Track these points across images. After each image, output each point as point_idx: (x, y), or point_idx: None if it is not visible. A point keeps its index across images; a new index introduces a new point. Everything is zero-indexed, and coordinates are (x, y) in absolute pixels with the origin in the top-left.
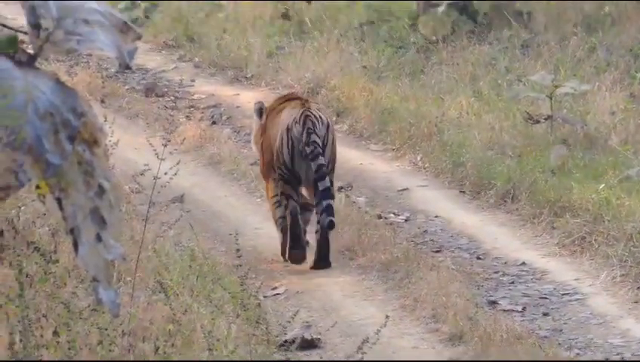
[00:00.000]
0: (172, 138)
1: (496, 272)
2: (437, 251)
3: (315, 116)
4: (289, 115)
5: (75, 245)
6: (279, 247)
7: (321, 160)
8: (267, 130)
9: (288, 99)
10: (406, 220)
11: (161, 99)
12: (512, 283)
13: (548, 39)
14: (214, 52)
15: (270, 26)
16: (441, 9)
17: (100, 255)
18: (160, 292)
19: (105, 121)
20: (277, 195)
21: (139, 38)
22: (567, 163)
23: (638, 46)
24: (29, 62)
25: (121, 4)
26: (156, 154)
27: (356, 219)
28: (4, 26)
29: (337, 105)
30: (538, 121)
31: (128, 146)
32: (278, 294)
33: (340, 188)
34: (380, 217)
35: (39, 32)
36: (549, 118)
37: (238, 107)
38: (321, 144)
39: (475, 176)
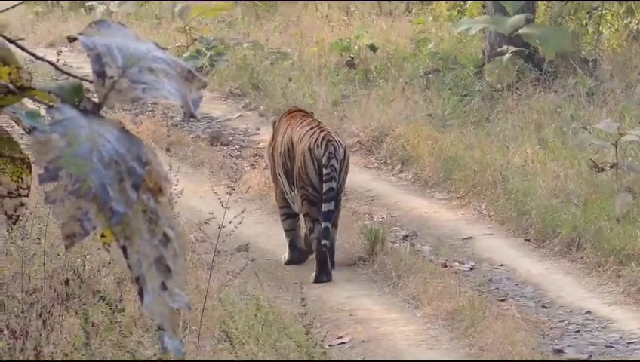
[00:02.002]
0: (237, 186)
1: (561, 321)
2: (502, 300)
3: (335, 141)
4: (310, 135)
5: (141, 293)
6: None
7: (333, 184)
8: (275, 138)
9: (292, 111)
10: (471, 269)
11: (226, 147)
12: (578, 331)
13: (613, 87)
14: (279, 100)
15: (335, 74)
16: (506, 57)
17: (165, 303)
18: (225, 341)
19: (170, 169)
20: (284, 207)
21: (204, 86)
22: (632, 211)
23: None
24: (94, 111)
25: (187, 53)
26: (221, 202)
27: (421, 267)
28: (70, 74)
29: (402, 154)
30: (603, 169)
31: (193, 195)
32: (343, 343)
33: (405, 237)
34: (444, 266)
35: (104, 81)
36: (614, 165)
37: None
38: (337, 169)
39: (539, 224)
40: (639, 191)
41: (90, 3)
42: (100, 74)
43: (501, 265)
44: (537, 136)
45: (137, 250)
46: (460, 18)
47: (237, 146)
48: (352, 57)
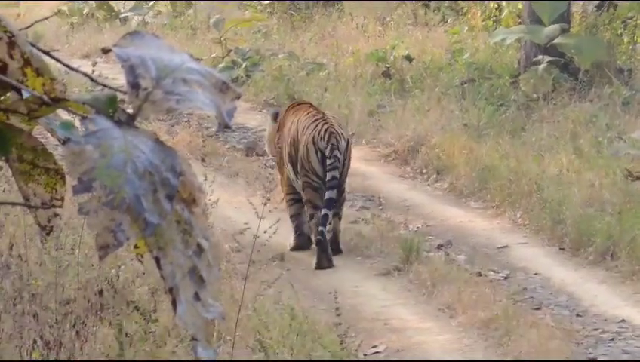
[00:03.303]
0: (272, 197)
1: (595, 329)
2: (537, 308)
3: (338, 133)
4: (313, 127)
5: (174, 304)
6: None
7: (336, 173)
8: (281, 128)
9: (299, 104)
10: (506, 277)
11: (261, 158)
12: (612, 340)
13: None
14: None
15: (371, 84)
16: (542, 66)
17: (198, 314)
18: (260, 351)
19: (205, 179)
20: (290, 193)
21: (238, 97)
22: None
23: None
24: (128, 122)
25: (222, 64)
26: (256, 213)
27: (456, 276)
28: (104, 85)
29: (437, 164)
30: (638, 178)
31: (228, 205)
32: (378, 352)
33: (440, 246)
34: (479, 275)
35: (138, 92)
36: None
37: None
38: (340, 159)
39: (574, 233)
40: None
41: (125, 14)
42: (134, 85)
43: (536, 274)
44: (573, 146)
45: (171, 260)
46: (496, 28)
47: (272, 157)
48: (388, 67)
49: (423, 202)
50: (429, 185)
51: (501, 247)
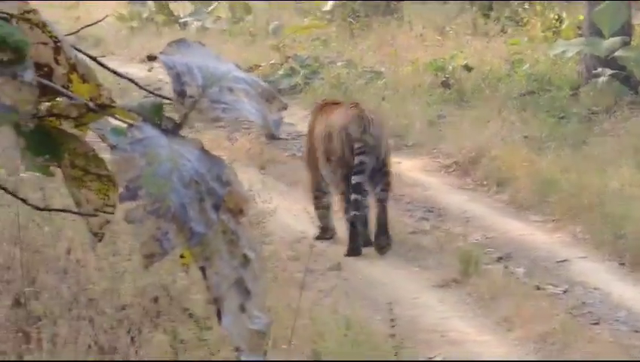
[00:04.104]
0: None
1: None
2: (595, 323)
3: (368, 118)
4: (344, 115)
5: (219, 314)
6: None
7: (365, 158)
8: (313, 126)
9: (328, 102)
10: (564, 292)
11: None
12: None
13: None
14: None
15: (429, 94)
16: (602, 79)
17: (243, 325)
18: (315, 360)
19: (263, 187)
20: (317, 191)
21: (284, 108)
22: None
23: None
24: (174, 130)
25: (281, 71)
26: (313, 221)
27: (514, 290)
28: (151, 92)
29: (498, 175)
30: None
31: (287, 213)
32: None
33: (499, 259)
34: (538, 288)
35: (184, 100)
36: None
37: (398, 175)
38: (371, 143)
39: (635, 248)
40: None
41: (184, 19)
42: (180, 93)
43: (595, 289)
44: (635, 160)
45: (217, 270)
46: (555, 40)
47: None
48: (447, 77)
49: (482, 214)
50: (489, 196)
51: (561, 261)
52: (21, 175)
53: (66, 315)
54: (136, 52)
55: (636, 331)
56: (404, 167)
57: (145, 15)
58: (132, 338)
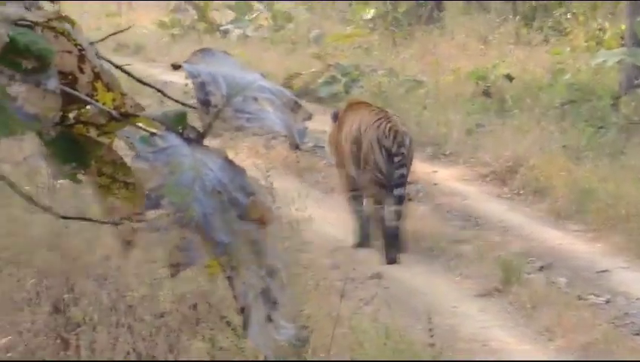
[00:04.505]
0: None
1: None
2: (637, 334)
3: (402, 131)
4: (377, 126)
5: (246, 324)
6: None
7: (404, 171)
8: (341, 128)
9: (357, 103)
10: (606, 302)
11: None
12: None
13: None
14: (414, 128)
15: (470, 103)
16: None
17: (270, 335)
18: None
19: (299, 195)
20: (350, 192)
21: (309, 118)
22: None
23: None
24: (197, 139)
25: (322, 79)
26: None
27: (556, 299)
28: (177, 101)
29: (535, 185)
30: None
31: (323, 221)
32: None
33: (541, 268)
34: (580, 298)
35: (208, 109)
36: None
37: (435, 184)
38: (407, 156)
39: None
40: None
41: (226, 27)
42: (205, 102)
43: (637, 299)
44: None
45: (243, 280)
46: (598, 50)
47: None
48: (488, 86)
49: (521, 223)
50: (526, 206)
51: (602, 271)
52: (60, 181)
53: (105, 322)
54: (177, 59)
55: None
56: (441, 176)
57: (186, 23)
58: (170, 345)
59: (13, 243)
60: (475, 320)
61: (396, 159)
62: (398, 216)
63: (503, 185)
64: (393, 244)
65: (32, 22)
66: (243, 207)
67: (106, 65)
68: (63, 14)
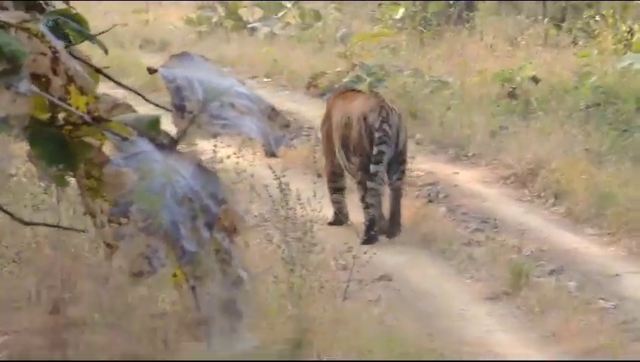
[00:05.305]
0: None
1: None
2: None
3: (388, 106)
4: (363, 103)
5: (208, 335)
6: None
7: (384, 148)
8: (331, 114)
9: (347, 90)
10: (615, 306)
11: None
12: None
13: None
14: (437, 129)
15: (495, 104)
16: None
17: (231, 347)
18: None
19: (314, 195)
20: (332, 181)
21: (287, 125)
22: None
23: None
24: (171, 145)
25: (347, 78)
26: (357, 233)
27: (564, 303)
28: (157, 105)
29: (556, 188)
30: None
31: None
32: None
33: (552, 272)
34: (588, 302)
35: (184, 114)
36: None
37: (456, 186)
38: (390, 133)
39: None
40: None
41: (253, 25)
42: (179, 107)
43: None
44: None
45: (208, 290)
46: (625, 53)
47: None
48: (514, 88)
49: (538, 226)
50: (546, 209)
51: (613, 275)
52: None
53: (103, 322)
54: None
55: None
56: (462, 177)
57: (214, 20)
58: (167, 346)
59: (15, 241)
60: (482, 324)
61: (377, 135)
62: (373, 194)
63: (524, 188)
64: (370, 224)
65: (4, 22)
66: (213, 215)
67: (80, 69)
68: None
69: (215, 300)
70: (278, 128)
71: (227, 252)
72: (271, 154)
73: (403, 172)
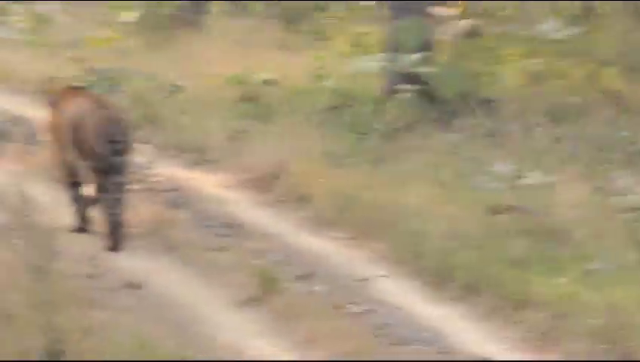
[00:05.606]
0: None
1: None
2: (396, 344)
3: (119, 118)
4: (88, 108)
5: None
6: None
7: (123, 158)
8: (60, 116)
9: (74, 88)
10: (366, 311)
11: None
12: None
13: (513, 129)
14: (174, 134)
15: (231, 108)
16: (405, 96)
17: None
18: None
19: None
20: (68, 177)
21: None
22: (529, 256)
23: (602, 138)
24: None
25: (83, 83)
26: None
27: (314, 309)
28: None
29: (297, 191)
30: (500, 212)
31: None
32: None
33: (299, 277)
34: (338, 307)
35: None
36: (510, 208)
37: (197, 191)
38: (123, 143)
39: (435, 266)
40: (535, 235)
41: None
42: None
43: (397, 308)
44: (435, 177)
45: None
46: (361, 54)
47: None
48: (249, 92)
49: (282, 231)
50: (289, 213)
51: (361, 280)
52: None
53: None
54: None
55: (441, 352)
56: (203, 182)
57: None
58: None
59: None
60: (234, 330)
61: (116, 147)
62: (119, 203)
63: (266, 192)
64: (114, 232)
65: None
66: None
67: None
68: None
69: None
70: None
71: None
72: None
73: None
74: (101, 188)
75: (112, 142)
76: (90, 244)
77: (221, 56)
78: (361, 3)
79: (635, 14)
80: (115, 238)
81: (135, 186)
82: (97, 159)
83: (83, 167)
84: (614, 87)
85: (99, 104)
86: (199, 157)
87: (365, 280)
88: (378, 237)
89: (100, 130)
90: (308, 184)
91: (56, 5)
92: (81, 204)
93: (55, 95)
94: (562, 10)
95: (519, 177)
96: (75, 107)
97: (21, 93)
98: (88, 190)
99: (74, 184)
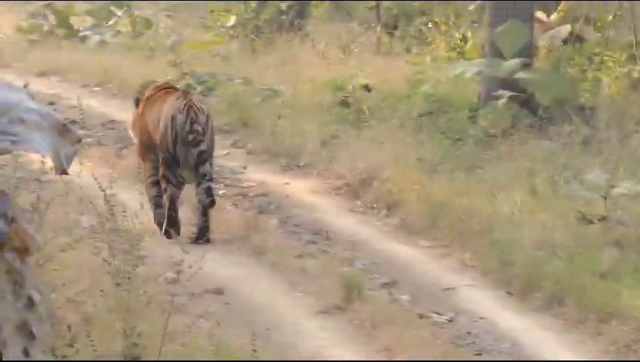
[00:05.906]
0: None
1: None
2: (478, 354)
3: (197, 107)
4: (172, 105)
5: (4, 359)
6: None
7: (203, 146)
8: (145, 116)
9: (164, 88)
10: (449, 321)
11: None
12: None
13: (609, 136)
14: (268, 138)
15: (327, 113)
16: (501, 101)
17: None
18: None
19: (141, 208)
20: (152, 176)
21: (79, 141)
22: (618, 267)
23: None
24: None
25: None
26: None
27: (397, 317)
28: None
29: (388, 198)
30: (592, 222)
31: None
32: None
33: (384, 285)
34: (422, 316)
35: None
36: (603, 218)
37: (287, 196)
38: (202, 132)
39: (524, 276)
40: (627, 246)
41: (84, 33)
42: None
43: (480, 318)
44: (528, 185)
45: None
46: (459, 60)
47: (221, 184)
48: (346, 96)
49: (370, 238)
50: (378, 220)
51: (447, 289)
52: None
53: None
54: (34, 66)
55: None
56: (294, 188)
57: (45, 28)
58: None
59: None
60: (315, 338)
61: (190, 137)
62: (209, 193)
63: (356, 199)
64: (205, 224)
65: None
66: (3, 235)
67: None
68: None
69: (8, 323)
70: (69, 144)
71: (19, 273)
72: (61, 171)
73: (210, 171)
74: (168, 179)
75: (187, 132)
76: (177, 249)
77: (320, 61)
78: (467, 6)
79: None
80: (200, 230)
81: (226, 191)
82: (167, 152)
83: (164, 163)
84: None
85: (182, 100)
86: (292, 162)
87: (451, 289)
88: (467, 246)
89: (172, 122)
90: (400, 191)
91: (158, 9)
92: (161, 203)
93: (141, 94)
94: None
95: (613, 186)
96: (161, 107)
97: (119, 96)
98: (171, 189)
99: (155, 183)
